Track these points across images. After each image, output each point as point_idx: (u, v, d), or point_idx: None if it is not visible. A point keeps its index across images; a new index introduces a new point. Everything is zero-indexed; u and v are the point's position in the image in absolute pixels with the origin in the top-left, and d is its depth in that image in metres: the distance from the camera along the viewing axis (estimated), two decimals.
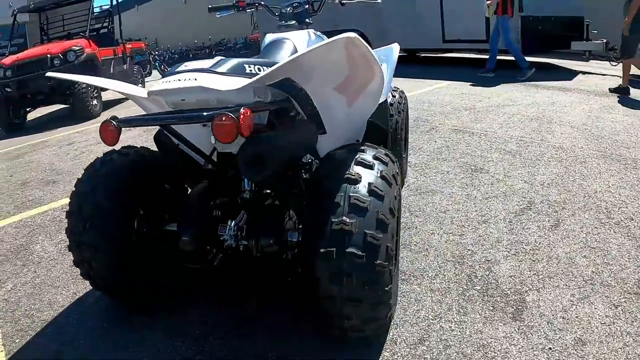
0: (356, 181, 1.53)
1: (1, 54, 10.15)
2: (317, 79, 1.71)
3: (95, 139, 6.59)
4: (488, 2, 7.31)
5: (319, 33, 2.72)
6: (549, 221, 2.62)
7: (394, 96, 3.02)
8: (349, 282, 1.45)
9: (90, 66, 9.03)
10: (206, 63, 1.67)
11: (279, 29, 2.69)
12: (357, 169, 1.57)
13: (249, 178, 1.66)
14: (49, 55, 8.33)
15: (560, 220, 2.62)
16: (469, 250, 2.39)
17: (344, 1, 2.81)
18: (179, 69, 1.70)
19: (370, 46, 1.65)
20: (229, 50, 25.31)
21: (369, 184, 1.53)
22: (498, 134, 4.31)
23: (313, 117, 1.83)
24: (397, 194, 1.67)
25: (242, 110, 1.39)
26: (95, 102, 8.93)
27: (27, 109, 9.17)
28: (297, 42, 2.48)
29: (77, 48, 8.61)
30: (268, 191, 1.99)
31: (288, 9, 2.80)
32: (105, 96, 9.78)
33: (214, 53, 26.19)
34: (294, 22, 2.72)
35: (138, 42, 12.03)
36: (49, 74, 2.03)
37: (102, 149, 1.91)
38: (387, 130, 2.65)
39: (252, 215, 1.87)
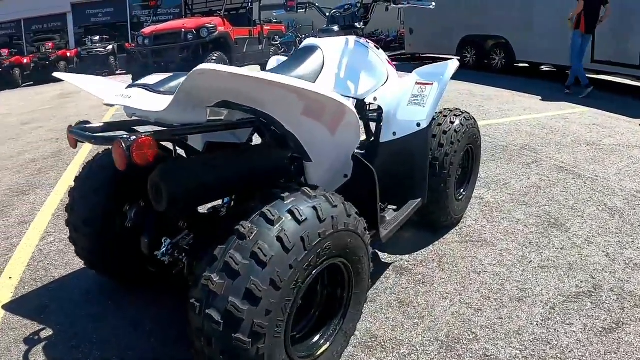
0: (243, 237, 1.26)
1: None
2: (260, 103, 1.44)
3: None
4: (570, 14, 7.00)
5: (364, 41, 2.39)
6: (604, 321, 1.92)
7: (452, 122, 2.52)
8: (208, 344, 1.24)
9: (223, 44, 9.58)
10: (154, 79, 1.52)
11: (318, 34, 2.42)
12: (253, 222, 1.30)
13: (154, 206, 1.46)
14: (183, 30, 8.99)
15: (620, 324, 1.90)
16: (473, 333, 1.87)
17: (394, 5, 2.41)
18: (136, 82, 1.59)
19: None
20: (379, 42, 25.24)
21: (256, 243, 1.24)
22: (609, 183, 3.44)
23: (289, 140, 1.65)
24: (302, 260, 1.31)
25: (133, 138, 1.25)
26: None
27: None
28: (329, 51, 2.20)
29: (211, 26, 9.16)
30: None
31: (338, 11, 2.51)
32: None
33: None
34: (335, 26, 2.41)
35: (278, 25, 12.38)
36: (55, 74, 2.15)
37: None
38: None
39: (186, 235, 1.73)
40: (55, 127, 7.06)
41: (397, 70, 2.52)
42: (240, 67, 10.19)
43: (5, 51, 16.84)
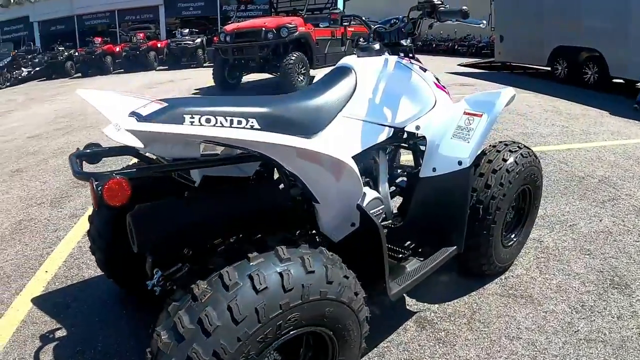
0: (195, 298, 1.17)
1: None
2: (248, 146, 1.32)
3: None
4: None
5: (407, 62, 2.16)
6: None
7: (504, 159, 2.22)
8: None
9: (303, 44, 9.52)
10: (149, 109, 1.38)
11: (357, 51, 2.24)
12: (210, 283, 1.20)
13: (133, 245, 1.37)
14: (264, 29, 9.03)
15: None
16: None
17: (440, 21, 2.16)
18: (134, 109, 1.46)
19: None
20: (471, 48, 24.24)
21: (204, 309, 1.14)
22: None
23: (292, 178, 1.56)
24: (254, 334, 1.16)
25: (106, 178, 1.18)
26: (301, 77, 9.42)
27: (242, 73, 10.20)
28: (363, 73, 2.03)
29: (291, 26, 9.13)
30: None
31: (383, 27, 2.31)
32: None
33: (456, 47, 25.49)
34: (376, 44, 2.20)
35: (362, 26, 12.17)
36: (78, 91, 2.16)
37: None
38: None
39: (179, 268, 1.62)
40: None
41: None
42: (320, 67, 10.28)
43: (98, 39, 18.10)
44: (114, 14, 22.71)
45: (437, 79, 2.29)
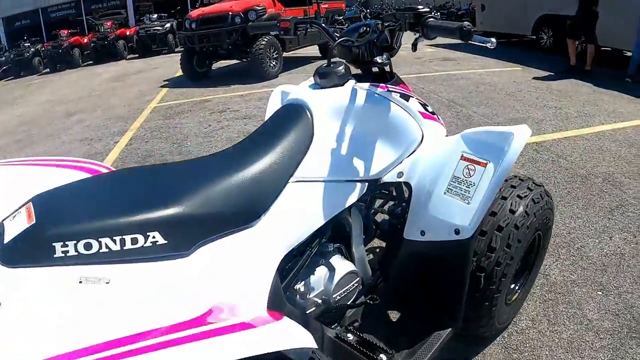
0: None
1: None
2: None
3: (247, 110, 6.43)
4: None
5: (382, 91, 1.60)
6: None
7: (512, 210, 1.70)
8: None
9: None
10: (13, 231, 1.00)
11: (316, 77, 1.59)
12: None
13: None
14: (230, 13, 8.41)
15: None
16: None
17: (429, 38, 1.55)
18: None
19: None
20: (450, 15, 23.47)
21: None
22: None
23: None
24: None
25: None
26: (273, 62, 8.85)
27: (211, 61, 9.58)
28: (322, 115, 1.47)
29: (259, 8, 8.50)
30: None
31: (349, 38, 1.66)
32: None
33: (436, 13, 24.76)
34: (340, 67, 1.58)
35: (338, 2, 11.46)
36: None
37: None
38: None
39: None
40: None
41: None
42: (293, 49, 9.62)
43: (65, 32, 17.22)
44: (79, 4, 21.65)
45: (424, 105, 1.72)
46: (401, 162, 1.61)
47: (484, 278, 1.64)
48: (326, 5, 10.79)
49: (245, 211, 1.22)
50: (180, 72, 9.76)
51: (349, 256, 1.68)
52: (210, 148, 4.91)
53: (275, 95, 2.02)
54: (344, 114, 1.51)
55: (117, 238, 0.99)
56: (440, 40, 1.77)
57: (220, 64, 10.81)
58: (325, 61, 1.62)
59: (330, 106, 1.50)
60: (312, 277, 1.52)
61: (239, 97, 7.47)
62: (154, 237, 1.03)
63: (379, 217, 2.04)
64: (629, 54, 7.30)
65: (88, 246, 0.97)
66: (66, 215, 1.03)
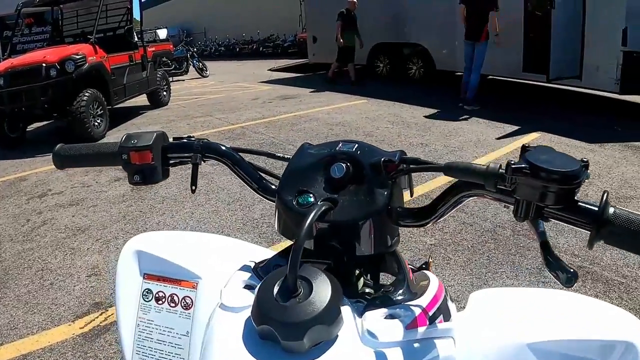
0: None
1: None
2: None
3: (72, 192, 5.05)
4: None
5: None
6: None
7: None
8: None
9: (95, 77, 7.52)
10: None
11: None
12: None
13: None
14: (44, 65, 6.86)
15: None
16: None
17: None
18: None
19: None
20: (276, 48, 23.79)
21: None
22: None
23: None
24: None
25: None
26: (98, 120, 7.46)
27: (25, 124, 7.80)
28: None
29: (78, 56, 7.09)
30: None
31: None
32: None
33: (260, 49, 24.89)
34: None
35: (165, 44, 10.43)
36: None
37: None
38: None
39: None
40: None
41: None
42: (119, 102, 8.32)
43: None
44: None
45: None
46: None
47: None
48: (153, 49, 9.70)
49: None
50: None
51: None
52: (33, 261, 3.52)
53: (126, 259, 1.07)
54: None
55: None
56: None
57: (39, 124, 8.90)
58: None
59: None
60: None
61: (62, 171, 5.99)
62: None
63: None
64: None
65: None
66: None
